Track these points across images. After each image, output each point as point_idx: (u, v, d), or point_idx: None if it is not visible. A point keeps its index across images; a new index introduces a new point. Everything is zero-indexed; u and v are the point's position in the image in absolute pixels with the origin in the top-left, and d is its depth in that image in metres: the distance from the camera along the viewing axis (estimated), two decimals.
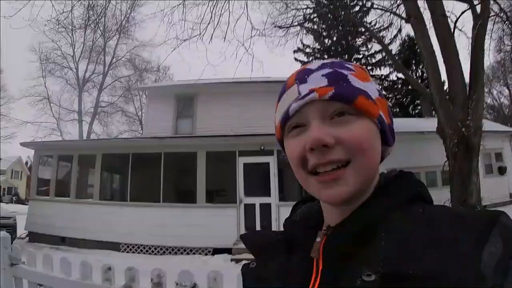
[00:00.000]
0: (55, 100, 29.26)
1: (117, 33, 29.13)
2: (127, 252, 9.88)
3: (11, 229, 9.82)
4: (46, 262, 2.50)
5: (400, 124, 14.29)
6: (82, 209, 11.06)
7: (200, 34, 6.35)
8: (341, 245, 0.54)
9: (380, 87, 23.84)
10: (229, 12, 6.48)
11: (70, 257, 6.87)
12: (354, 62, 0.72)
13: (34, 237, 11.52)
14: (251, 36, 6.33)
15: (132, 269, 1.94)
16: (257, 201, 9.62)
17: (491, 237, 0.45)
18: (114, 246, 9.99)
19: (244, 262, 0.72)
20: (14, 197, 42.79)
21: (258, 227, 9.19)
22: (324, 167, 0.54)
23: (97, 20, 25.76)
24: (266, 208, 9.51)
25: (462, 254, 0.44)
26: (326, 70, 0.58)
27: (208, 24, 6.38)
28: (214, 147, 10.19)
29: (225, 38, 6.35)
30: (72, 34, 27.64)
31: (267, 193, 9.63)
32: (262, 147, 9.84)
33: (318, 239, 0.58)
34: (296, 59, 24.50)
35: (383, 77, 24.68)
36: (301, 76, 0.59)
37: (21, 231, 11.84)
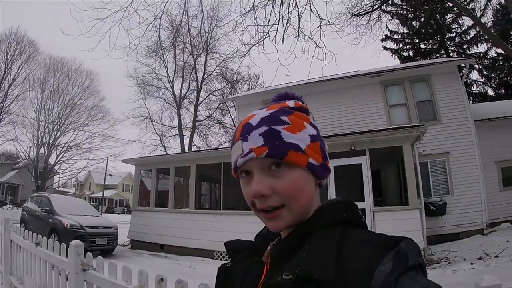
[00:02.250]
0: (157, 118, 31.83)
1: (203, 50, 30.72)
2: (221, 259, 9.99)
3: (112, 237, 10.62)
4: (111, 269, 2.59)
5: (506, 106, 12.53)
6: (179, 218, 11.57)
7: (269, 36, 6.08)
8: (280, 253, 0.70)
9: (480, 67, 20.93)
10: (297, 8, 6.11)
11: (166, 263, 7.19)
12: (294, 103, 0.76)
13: (136, 244, 12.41)
14: (319, 26, 5.86)
15: (181, 282, 1.98)
16: None
17: (385, 259, 0.55)
18: (208, 254, 10.23)
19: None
20: (125, 208, 47.57)
21: None
22: (266, 209, 0.68)
23: (183, 41, 27.56)
24: None
25: (358, 269, 0.56)
26: (263, 129, 0.68)
27: (278, 24, 6.08)
28: None
29: (298, 35, 5.96)
30: (163, 56, 29.94)
31: (361, 198, 8.70)
32: (352, 147, 8.98)
33: (268, 248, 0.75)
34: (385, 48, 22.92)
35: (481, 55, 21.67)
36: (244, 133, 0.70)
37: (124, 239, 12.83)
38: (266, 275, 0.70)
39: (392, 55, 22.89)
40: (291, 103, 0.75)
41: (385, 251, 0.56)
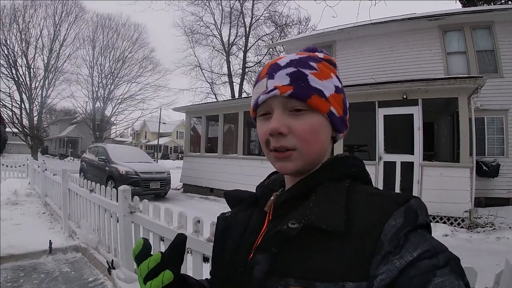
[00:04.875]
0: (206, 66, 32.41)
1: None
2: None
3: (165, 181, 11.28)
4: (155, 211, 2.79)
5: None
6: (227, 164, 11.98)
7: None
8: (284, 203, 0.69)
9: None
10: None
11: (215, 206, 7.63)
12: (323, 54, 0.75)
13: (187, 188, 13.15)
14: None
15: (215, 223, 2.06)
16: (398, 158, 8.44)
17: (396, 213, 0.55)
18: None
19: None
20: (179, 154, 49.93)
21: (397, 188, 8.19)
22: (279, 149, 0.68)
23: None
24: (407, 168, 8.23)
25: (367, 222, 0.56)
26: (291, 69, 0.68)
27: None
28: (351, 98, 8.41)
29: None
30: (208, 3, 29.70)
31: (410, 150, 8.32)
32: (404, 96, 8.43)
33: (272, 198, 0.74)
34: None
35: None
36: (270, 72, 0.70)
37: (177, 183, 13.65)
38: (268, 225, 0.69)
39: None
40: (320, 55, 0.75)
41: (395, 206, 0.56)
